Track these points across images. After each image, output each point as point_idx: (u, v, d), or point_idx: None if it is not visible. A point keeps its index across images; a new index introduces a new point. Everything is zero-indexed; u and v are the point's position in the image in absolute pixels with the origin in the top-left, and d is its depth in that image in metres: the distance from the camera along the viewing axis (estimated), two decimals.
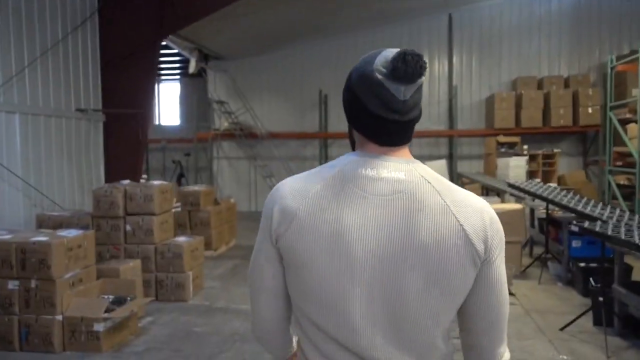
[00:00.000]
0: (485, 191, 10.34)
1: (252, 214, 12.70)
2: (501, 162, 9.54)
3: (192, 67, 12.61)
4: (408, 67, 1.11)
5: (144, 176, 13.00)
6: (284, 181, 1.27)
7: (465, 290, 1.17)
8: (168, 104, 18.37)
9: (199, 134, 12.97)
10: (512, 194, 7.77)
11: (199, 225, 8.02)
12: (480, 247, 1.14)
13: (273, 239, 1.21)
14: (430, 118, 13.22)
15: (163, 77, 18.10)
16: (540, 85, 12.03)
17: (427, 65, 1.16)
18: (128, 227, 5.72)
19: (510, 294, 5.72)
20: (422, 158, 13.32)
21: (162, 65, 16.09)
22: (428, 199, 1.13)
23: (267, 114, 13.69)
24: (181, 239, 5.99)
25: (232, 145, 13.77)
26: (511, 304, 5.22)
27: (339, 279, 1.13)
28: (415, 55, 1.12)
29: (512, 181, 9.04)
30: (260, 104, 13.68)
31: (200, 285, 6.19)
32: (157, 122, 18.32)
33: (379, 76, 1.15)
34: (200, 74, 13.59)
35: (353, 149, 1.30)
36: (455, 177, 11.55)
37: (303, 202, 1.16)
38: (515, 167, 9.21)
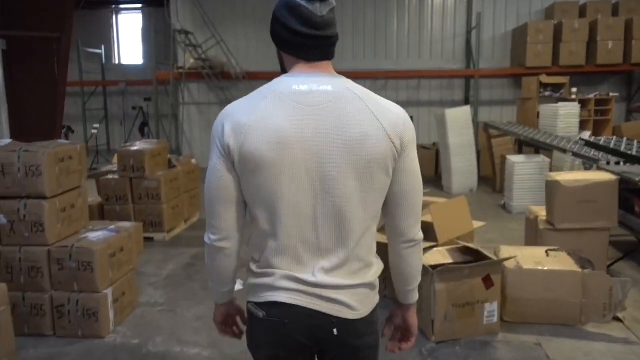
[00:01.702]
0: (519, 147, 8.16)
1: None
2: (545, 109, 7.36)
3: None
4: None
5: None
6: (229, 105, 1.44)
7: (388, 180, 1.41)
8: (129, 39, 15.65)
9: (159, 74, 10.47)
10: (577, 155, 5.60)
11: (144, 199, 5.77)
12: (397, 142, 1.38)
13: (226, 151, 1.37)
14: (443, 56, 10.84)
15: (122, 7, 15.28)
16: (582, 12, 9.67)
17: None
18: (1, 219, 3.47)
19: (617, 319, 3.67)
20: (433, 103, 11.09)
21: None
22: (353, 105, 1.36)
23: (244, 49, 11.18)
24: (96, 234, 3.74)
25: (201, 88, 11.30)
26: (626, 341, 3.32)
27: (285, 174, 1.34)
28: None
29: (562, 133, 6.89)
30: (234, 36, 11.13)
31: (132, 304, 4.01)
32: (116, 61, 15.65)
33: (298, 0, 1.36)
34: (163, 1, 10.95)
35: (283, 73, 1.47)
36: (476, 126, 9.32)
37: (251, 117, 1.35)
38: (565, 116, 7.05)
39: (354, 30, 10.88)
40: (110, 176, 5.89)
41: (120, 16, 15.49)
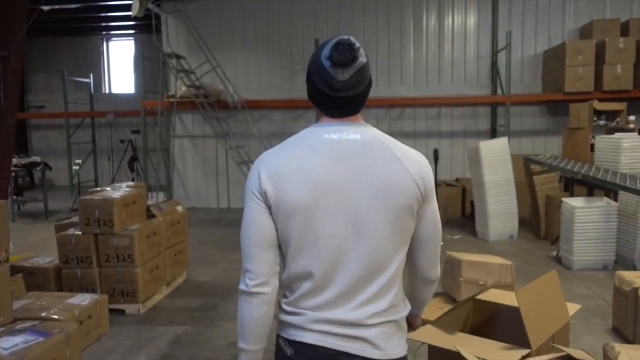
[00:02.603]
0: (565, 185, 6.91)
1: (221, 214, 9.15)
2: (603, 141, 6.15)
3: (135, 8, 8.86)
4: (340, 55, 1.38)
5: (19, 164, 9.30)
6: (264, 153, 1.50)
7: (413, 223, 1.49)
8: (120, 67, 14.60)
9: (147, 103, 9.30)
10: None
11: (112, 261, 4.49)
12: (421, 187, 1.45)
13: (263, 197, 1.42)
14: (466, 80, 9.69)
15: (112, 34, 14.28)
16: (624, 30, 8.54)
17: (360, 50, 1.40)
18: None
19: None
20: (456, 134, 9.89)
21: (110, 15, 12.30)
22: (381, 152, 1.44)
23: (243, 75, 10.05)
24: (10, 342, 2.44)
25: (196, 119, 10.13)
26: None
27: (319, 218, 1.40)
28: (347, 44, 1.38)
29: (626, 170, 5.66)
30: (232, 61, 10.01)
31: None
32: (106, 90, 14.58)
33: (323, 61, 1.41)
34: (159, 28, 9.88)
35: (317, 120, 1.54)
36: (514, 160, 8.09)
37: (287, 164, 1.41)
38: (629, 149, 5.82)
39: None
40: (70, 231, 4.63)
41: (111, 43, 14.47)
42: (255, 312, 1.47)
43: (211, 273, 5.81)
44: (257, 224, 1.45)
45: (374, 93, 8.70)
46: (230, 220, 8.75)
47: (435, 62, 9.71)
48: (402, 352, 1.51)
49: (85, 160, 13.46)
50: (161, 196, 10.38)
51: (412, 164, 1.45)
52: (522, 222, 7.24)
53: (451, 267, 4.63)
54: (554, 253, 6.28)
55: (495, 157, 6.91)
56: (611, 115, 6.82)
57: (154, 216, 5.01)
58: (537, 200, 7.05)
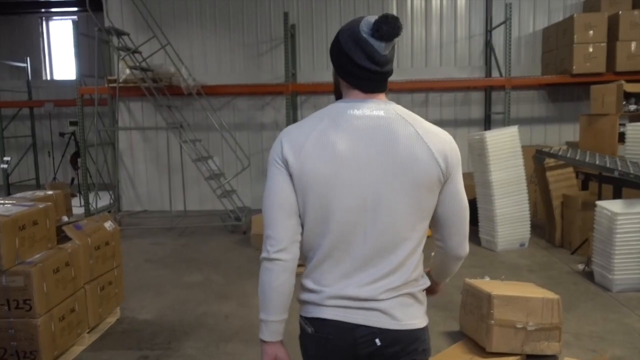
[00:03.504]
0: (583, 183, 5.83)
1: (176, 220, 7.75)
2: (637, 129, 5.05)
3: None
4: (389, 27, 1.38)
5: None
6: (289, 126, 1.52)
7: (434, 200, 1.48)
8: (62, 50, 12.90)
9: (83, 89, 7.79)
10: None
11: (1, 310, 3.14)
12: (442, 164, 1.43)
13: (284, 165, 1.44)
14: (457, 62, 8.52)
15: (53, 12, 12.55)
16: (636, 3, 7.50)
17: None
18: None
19: None
20: (445, 123, 8.69)
21: None
22: (403, 129, 1.43)
23: (199, 56, 8.64)
24: None
25: (146, 108, 8.68)
26: None
27: (338, 191, 1.41)
28: (394, 18, 1.38)
29: None
30: (187, 40, 8.59)
31: None
32: (47, 77, 12.88)
33: (365, 35, 1.41)
34: (100, 2, 8.36)
35: (337, 99, 1.55)
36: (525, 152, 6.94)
37: (308, 136, 1.43)
38: None
39: None
40: None
41: (51, 23, 12.76)
42: (275, 279, 1.47)
43: (156, 306, 4.48)
44: (278, 190, 1.46)
45: None
46: (186, 229, 7.38)
47: (422, 41, 8.51)
48: (420, 323, 1.50)
49: (23, 156, 11.84)
50: (106, 198, 8.91)
51: (435, 141, 1.44)
52: (534, 225, 6.13)
53: (475, 303, 3.42)
54: (580, 267, 5.17)
55: (504, 150, 5.76)
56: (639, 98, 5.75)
57: (68, 239, 3.65)
58: (552, 200, 5.95)
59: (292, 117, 8.54)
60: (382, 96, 1.51)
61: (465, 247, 1.59)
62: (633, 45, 7.13)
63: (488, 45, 8.37)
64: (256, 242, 6.19)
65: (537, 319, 3.25)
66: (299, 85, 8.19)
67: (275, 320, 1.50)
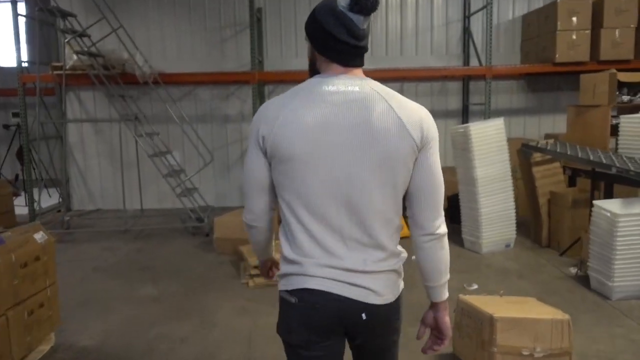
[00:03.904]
0: (570, 179, 5.46)
1: (131, 221, 7.06)
2: (630, 122, 4.67)
3: None
4: (367, 1, 1.40)
5: None
6: (266, 101, 1.55)
7: (407, 174, 1.48)
8: (7, 34, 11.87)
9: (25, 77, 7.00)
10: None
11: None
12: (417, 137, 1.44)
13: (260, 142, 1.49)
14: (433, 50, 8.06)
15: None
16: None
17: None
18: None
19: None
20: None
21: None
22: (376, 104, 1.44)
23: (157, 42, 7.93)
24: None
25: (99, 98, 7.93)
26: None
27: (311, 166, 1.43)
28: None
29: None
30: (143, 25, 7.86)
31: None
32: None
33: (343, 10, 1.43)
34: None
35: (311, 76, 1.55)
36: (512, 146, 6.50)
37: (282, 111, 1.45)
38: None
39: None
40: None
41: None
42: (254, 237, 1.71)
43: (101, 328, 3.86)
44: (253, 168, 1.53)
45: None
46: (142, 231, 6.71)
47: (397, 28, 8.01)
48: (398, 293, 1.57)
49: None
50: (56, 197, 8.15)
51: (408, 114, 1.45)
52: (519, 224, 5.72)
53: (473, 325, 2.95)
54: (573, 270, 4.78)
55: (490, 144, 5.32)
56: (636, 88, 5.36)
57: None
58: (538, 197, 5.55)
59: (259, 107, 7.93)
60: (359, 71, 1.52)
61: (436, 224, 1.54)
62: (617, 32, 6.79)
63: (466, 32, 7.93)
64: (220, 246, 5.60)
65: (546, 344, 2.79)
66: (266, 74, 7.58)
67: (261, 254, 1.85)
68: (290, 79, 7.75)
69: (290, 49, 7.97)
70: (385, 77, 7.67)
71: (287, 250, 1.53)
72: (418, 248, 1.57)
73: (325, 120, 1.42)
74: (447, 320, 1.62)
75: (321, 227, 1.47)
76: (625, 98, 5.13)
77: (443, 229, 1.55)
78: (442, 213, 1.55)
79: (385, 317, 1.54)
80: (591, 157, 4.64)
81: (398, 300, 1.57)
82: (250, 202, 1.59)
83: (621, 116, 4.91)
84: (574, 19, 6.80)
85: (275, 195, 1.56)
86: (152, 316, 4.07)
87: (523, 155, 5.56)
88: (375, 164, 1.43)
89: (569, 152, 4.94)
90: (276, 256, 1.80)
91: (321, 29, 1.46)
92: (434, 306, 1.63)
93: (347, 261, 1.47)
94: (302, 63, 7.78)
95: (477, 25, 7.93)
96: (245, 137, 7.96)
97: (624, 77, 5.05)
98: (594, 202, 4.25)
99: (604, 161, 4.47)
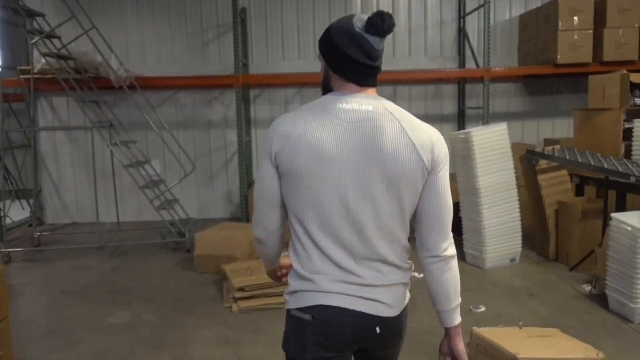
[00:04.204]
0: (577, 188, 5.10)
1: (107, 236, 6.55)
2: None
3: None
4: (384, 23, 1.42)
5: None
6: (281, 116, 1.53)
7: (416, 195, 1.49)
8: None
9: None
10: None
11: None
12: (427, 159, 1.45)
13: (272, 159, 1.48)
14: (427, 51, 7.69)
15: None
16: None
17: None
18: None
19: None
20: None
21: None
22: (389, 124, 1.45)
23: (136, 45, 7.47)
24: None
25: (72, 105, 7.43)
26: None
27: (322, 184, 1.44)
28: (389, 15, 1.44)
29: None
30: (121, 29, 7.40)
31: None
32: None
33: (359, 31, 1.45)
34: None
35: (323, 93, 1.57)
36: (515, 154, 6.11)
37: (296, 128, 1.45)
38: None
39: (301, 23, 7.50)
40: None
41: None
42: (263, 251, 1.70)
43: None
44: (265, 183, 1.53)
45: (310, 68, 6.47)
46: (118, 247, 6.21)
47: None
48: (405, 303, 1.59)
49: None
50: (27, 209, 7.62)
51: (419, 135, 1.46)
52: (524, 236, 5.32)
53: None
54: (587, 288, 4.40)
55: (493, 151, 4.93)
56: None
57: None
58: (544, 208, 5.17)
59: (244, 113, 7.50)
60: (373, 91, 1.54)
61: (444, 246, 1.53)
62: (621, 32, 6.46)
63: (461, 33, 7.56)
64: (202, 264, 5.14)
65: None
66: (251, 77, 7.15)
67: (270, 264, 1.79)
68: (277, 82, 7.33)
69: (276, 51, 7.55)
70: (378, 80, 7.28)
71: (298, 267, 1.52)
72: (425, 270, 1.57)
73: (337, 138, 1.44)
74: (461, 347, 1.59)
75: (331, 243, 1.47)
76: (639, 100, 4.77)
77: (451, 251, 1.55)
78: (451, 236, 1.55)
79: (397, 328, 1.56)
80: (605, 165, 4.26)
81: (405, 310, 1.59)
82: (260, 216, 1.59)
83: (635, 120, 4.55)
84: (576, 18, 6.46)
85: (286, 211, 1.56)
86: (121, 348, 3.60)
87: (527, 163, 5.18)
88: (385, 184, 1.44)
89: (579, 159, 4.57)
90: (282, 260, 1.80)
91: (337, 48, 1.48)
92: (446, 332, 1.61)
93: (360, 276, 1.48)
94: (289, 66, 7.36)
95: (472, 25, 7.56)
96: (230, 143, 7.52)
97: (637, 77, 4.69)
98: (612, 215, 3.87)
99: (620, 169, 4.09)
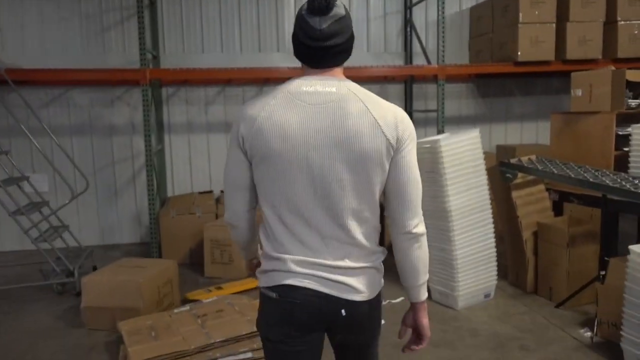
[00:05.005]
0: (556, 205, 4.34)
1: None
2: None
3: None
4: (315, 2, 1.46)
5: None
6: (247, 102, 1.58)
7: (383, 174, 1.52)
8: None
9: None
10: None
11: None
12: (392, 137, 1.48)
13: (240, 142, 1.53)
14: (370, 46, 6.74)
15: None
16: None
17: (336, 1, 1.49)
18: None
19: None
20: None
21: None
22: (353, 105, 1.48)
23: (13, 29, 5.96)
24: None
25: None
26: None
27: (290, 165, 1.47)
28: None
29: None
30: (6, 12, 5.88)
31: None
32: None
33: (303, 13, 1.50)
34: None
35: None
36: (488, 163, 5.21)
37: (261, 112, 1.50)
38: None
39: (224, 9, 6.30)
40: None
41: None
42: (235, 237, 1.73)
43: None
44: (233, 167, 1.57)
45: (236, 62, 5.20)
46: None
47: None
48: (377, 290, 1.60)
49: None
50: None
51: (383, 114, 1.49)
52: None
53: None
54: (587, 334, 3.55)
55: (465, 163, 4.01)
56: (632, 90, 4.27)
57: None
58: (520, 230, 4.33)
59: (156, 116, 6.20)
60: (338, 72, 1.56)
61: (416, 222, 1.56)
62: (584, 27, 5.81)
63: (408, 25, 6.67)
64: (91, 319, 3.82)
65: None
66: (162, 72, 5.86)
67: (244, 253, 1.84)
68: (196, 78, 6.11)
69: (194, 41, 6.30)
70: None
71: (268, 248, 1.57)
72: (396, 247, 1.60)
73: (302, 120, 1.47)
74: (425, 321, 1.65)
75: (300, 224, 1.51)
76: (633, 103, 4.03)
77: (421, 228, 1.57)
78: (420, 212, 1.58)
79: (366, 313, 1.56)
80: (609, 182, 3.43)
81: (378, 297, 1.60)
82: (230, 201, 1.62)
83: (633, 125, 3.77)
84: (536, 12, 5.73)
85: (256, 195, 1.59)
86: None
87: (502, 178, 4.31)
88: (351, 164, 1.47)
89: (571, 175, 3.73)
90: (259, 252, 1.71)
91: (293, 33, 1.54)
92: (412, 307, 1.67)
93: (327, 258, 1.51)
94: (210, 59, 6.16)
95: (419, 18, 6.71)
96: (138, 153, 6.18)
97: (635, 76, 3.93)
98: (631, 247, 3.03)
99: (630, 188, 3.27)
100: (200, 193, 6.21)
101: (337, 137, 1.45)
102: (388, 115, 1.49)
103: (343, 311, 1.51)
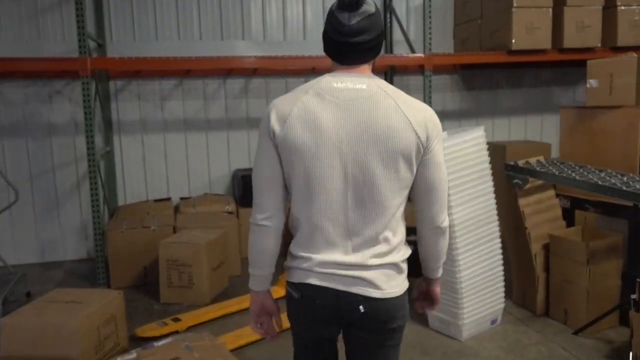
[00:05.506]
0: (567, 213, 3.80)
1: None
2: None
3: None
4: None
5: None
6: (276, 99, 1.56)
7: (412, 170, 1.53)
8: None
9: None
10: None
11: None
12: (422, 135, 1.49)
13: (271, 136, 1.51)
14: None
15: None
16: None
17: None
18: None
19: None
20: None
21: None
22: (383, 102, 1.49)
23: None
24: None
25: None
26: None
27: (321, 161, 1.48)
28: None
29: None
30: None
31: None
32: None
33: (333, 9, 1.52)
34: None
35: None
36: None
37: (294, 107, 1.49)
38: None
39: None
40: None
41: None
42: (261, 242, 1.60)
43: None
44: (266, 162, 1.54)
45: (196, 51, 4.45)
46: None
47: (298, 7, 5.88)
48: (401, 290, 1.58)
49: None
50: None
51: (414, 113, 1.49)
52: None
53: None
54: None
55: (470, 168, 3.38)
56: None
57: None
58: (529, 244, 3.74)
59: (102, 113, 5.39)
60: (367, 69, 1.56)
61: (443, 217, 1.61)
62: (583, 12, 5.28)
63: (388, 10, 6.02)
64: None
65: None
66: (108, 61, 5.04)
67: (262, 275, 1.65)
68: (149, 69, 5.31)
69: (146, 26, 5.49)
70: (285, 71, 5.55)
71: (293, 244, 1.58)
72: (423, 238, 1.66)
73: (334, 116, 1.47)
74: (438, 290, 1.79)
75: (325, 220, 1.50)
76: None
77: (447, 222, 1.64)
78: (446, 208, 1.62)
79: (386, 311, 1.55)
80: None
81: (402, 297, 1.58)
82: (262, 198, 1.57)
83: None
84: None
85: (286, 192, 1.58)
86: None
87: (509, 182, 3.70)
88: (382, 161, 1.47)
89: (595, 180, 3.14)
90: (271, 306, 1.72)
91: (324, 30, 1.55)
92: (428, 281, 1.77)
93: (349, 255, 1.51)
94: (165, 48, 5.37)
95: (400, 3, 6.07)
96: (82, 156, 5.32)
97: None
98: None
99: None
100: (156, 201, 5.45)
101: (370, 133, 1.46)
102: (418, 113, 1.51)
103: (361, 307, 1.52)
